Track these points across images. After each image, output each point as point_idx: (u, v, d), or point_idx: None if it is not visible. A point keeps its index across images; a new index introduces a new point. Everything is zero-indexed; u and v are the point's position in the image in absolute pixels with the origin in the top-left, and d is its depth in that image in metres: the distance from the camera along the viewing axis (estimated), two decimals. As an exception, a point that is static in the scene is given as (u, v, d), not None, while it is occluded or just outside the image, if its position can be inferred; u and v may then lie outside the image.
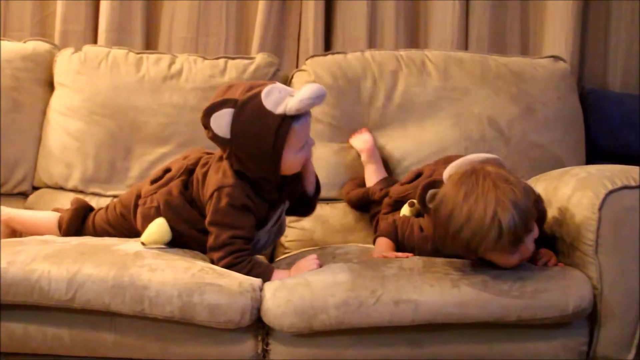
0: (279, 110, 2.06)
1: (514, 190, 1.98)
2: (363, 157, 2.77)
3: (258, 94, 2.08)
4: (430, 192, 2.15)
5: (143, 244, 2.17)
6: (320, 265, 2.12)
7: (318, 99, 2.08)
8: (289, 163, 2.14)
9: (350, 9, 3.15)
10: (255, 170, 2.13)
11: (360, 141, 2.78)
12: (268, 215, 2.22)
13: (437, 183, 2.15)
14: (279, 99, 2.07)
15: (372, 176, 2.73)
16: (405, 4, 3.17)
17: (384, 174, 2.74)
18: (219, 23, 3.17)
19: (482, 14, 3.19)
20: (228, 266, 2.09)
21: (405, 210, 2.38)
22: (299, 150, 2.14)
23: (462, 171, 2.06)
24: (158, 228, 2.19)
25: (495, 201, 1.95)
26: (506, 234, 1.95)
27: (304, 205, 2.35)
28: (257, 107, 2.07)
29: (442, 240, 2.06)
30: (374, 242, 2.36)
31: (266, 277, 2.09)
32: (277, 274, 2.11)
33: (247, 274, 2.07)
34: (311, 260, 2.13)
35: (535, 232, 2.06)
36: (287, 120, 2.07)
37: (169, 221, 2.19)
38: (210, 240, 2.14)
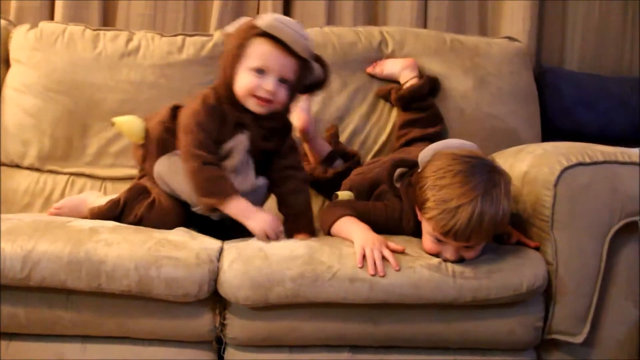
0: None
1: (502, 209, 1.98)
2: (299, 135, 2.64)
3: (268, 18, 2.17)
4: (399, 170, 2.15)
5: (113, 123, 2.33)
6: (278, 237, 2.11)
7: (289, 27, 2.13)
8: (240, 78, 2.15)
9: (308, -14, 3.14)
10: (222, 76, 2.20)
11: (295, 118, 2.53)
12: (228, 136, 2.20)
13: (406, 162, 2.15)
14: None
15: (313, 154, 2.68)
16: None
17: (325, 150, 2.67)
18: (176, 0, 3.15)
19: (440, -7, 3.21)
20: (201, 168, 2.10)
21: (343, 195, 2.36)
22: (254, 73, 2.14)
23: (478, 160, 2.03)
24: (131, 123, 2.32)
25: (486, 195, 1.95)
26: (456, 220, 1.95)
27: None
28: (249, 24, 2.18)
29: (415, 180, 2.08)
30: (326, 228, 2.23)
31: (229, 193, 2.09)
32: (238, 201, 2.09)
33: (213, 183, 2.09)
34: (276, 227, 2.10)
35: (470, 253, 2.03)
36: (256, 30, 2.13)
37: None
38: (183, 142, 2.15)
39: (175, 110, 2.28)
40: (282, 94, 2.17)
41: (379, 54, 2.88)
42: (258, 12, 3.13)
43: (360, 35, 2.90)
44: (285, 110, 2.25)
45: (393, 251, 2.02)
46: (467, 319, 2.05)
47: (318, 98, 2.79)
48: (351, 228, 2.12)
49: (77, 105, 2.74)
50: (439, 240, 2.02)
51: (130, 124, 2.33)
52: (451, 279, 1.99)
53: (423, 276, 1.99)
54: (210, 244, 2.07)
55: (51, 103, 2.74)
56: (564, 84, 3.06)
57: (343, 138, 2.79)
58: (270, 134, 2.24)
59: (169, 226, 2.17)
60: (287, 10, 3.15)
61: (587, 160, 2.08)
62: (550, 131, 2.95)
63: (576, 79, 3.11)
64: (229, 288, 1.98)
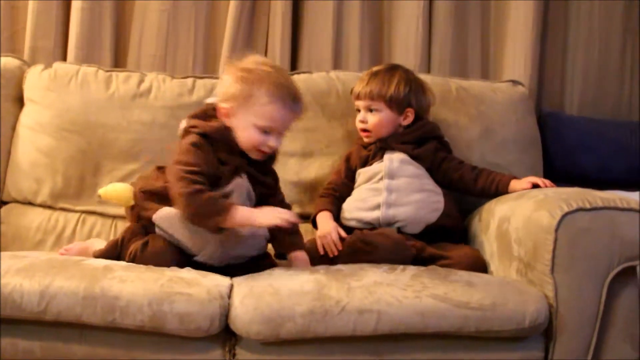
0: None
1: None
2: None
3: None
4: None
5: (99, 196, 2.49)
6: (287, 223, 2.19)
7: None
8: (245, 131, 2.26)
9: (315, 31, 3.20)
10: (218, 122, 2.31)
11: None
12: (226, 180, 2.27)
13: None
14: None
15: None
16: (369, 27, 3.23)
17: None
18: (186, 41, 3.20)
19: (444, 37, 3.25)
20: (191, 197, 2.15)
21: None
22: (260, 131, 2.26)
23: None
24: (116, 191, 2.44)
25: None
26: None
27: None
28: None
29: None
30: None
31: (227, 207, 2.15)
32: (238, 210, 2.17)
33: (212, 204, 2.16)
34: (282, 213, 2.19)
35: None
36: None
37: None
38: (171, 177, 2.23)
39: (161, 169, 2.38)
40: (280, 143, 2.34)
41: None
42: (267, 42, 3.20)
43: (365, 82, 2.90)
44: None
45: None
46: (469, 354, 2.08)
47: (320, 145, 2.85)
48: (319, 224, 2.60)
49: (90, 145, 2.78)
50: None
51: (117, 192, 2.47)
52: (456, 308, 2.02)
53: (429, 305, 2.02)
54: (221, 281, 2.12)
55: (64, 142, 2.78)
56: (565, 129, 3.10)
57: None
58: (264, 171, 2.39)
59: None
60: (294, 55, 3.22)
61: (587, 205, 2.12)
62: (551, 174, 2.95)
63: (576, 123, 3.15)
64: (241, 323, 2.00)
